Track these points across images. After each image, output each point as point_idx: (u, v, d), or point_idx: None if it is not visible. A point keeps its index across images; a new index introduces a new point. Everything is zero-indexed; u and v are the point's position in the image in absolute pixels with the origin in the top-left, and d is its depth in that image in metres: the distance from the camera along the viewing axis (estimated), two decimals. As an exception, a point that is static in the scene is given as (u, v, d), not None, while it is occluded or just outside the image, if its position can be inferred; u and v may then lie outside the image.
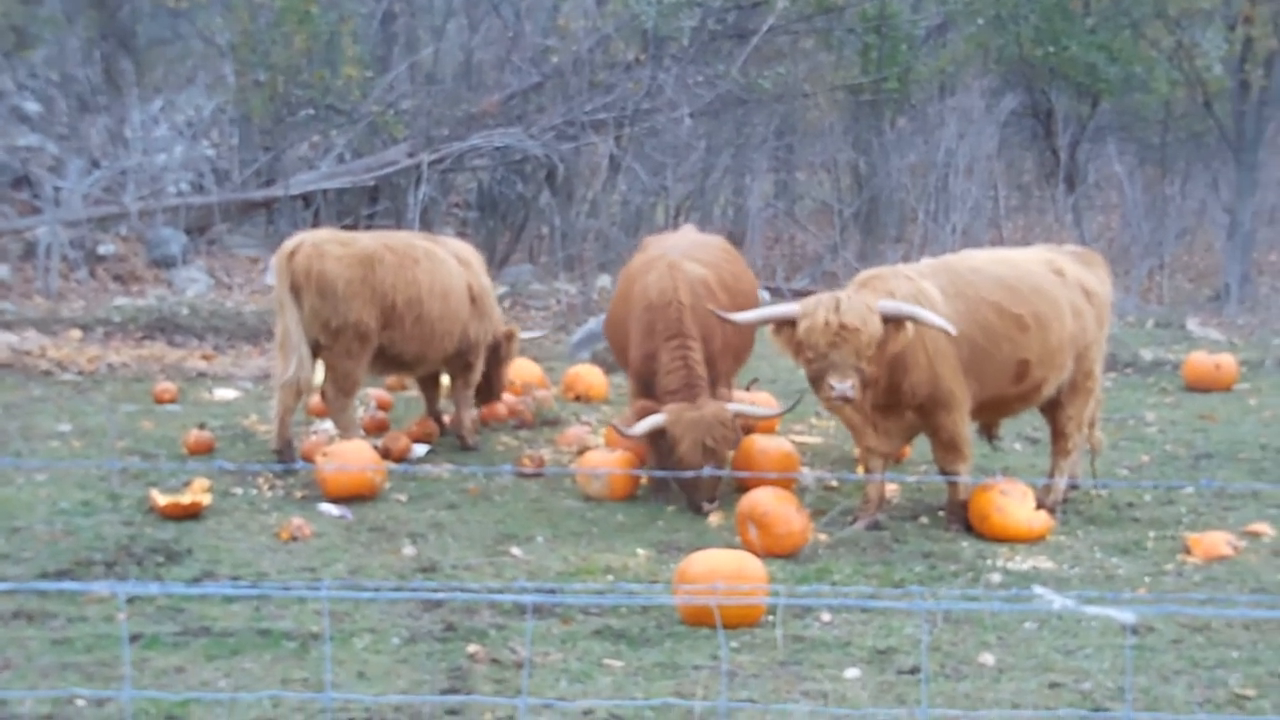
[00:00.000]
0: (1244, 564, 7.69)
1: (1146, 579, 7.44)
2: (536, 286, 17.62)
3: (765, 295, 17.41)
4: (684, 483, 8.56)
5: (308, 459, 9.15)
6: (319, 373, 9.60)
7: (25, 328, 13.87)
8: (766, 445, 9.13)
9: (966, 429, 8.43)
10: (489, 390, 10.58)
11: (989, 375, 8.33)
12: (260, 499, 8.73)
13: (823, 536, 8.08)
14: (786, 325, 7.96)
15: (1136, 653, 6.35)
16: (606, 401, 11.69)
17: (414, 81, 19.45)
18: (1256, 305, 18.95)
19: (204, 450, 9.63)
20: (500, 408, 10.88)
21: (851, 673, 6.12)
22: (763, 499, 7.83)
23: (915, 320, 7.84)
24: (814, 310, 7.80)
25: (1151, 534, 8.27)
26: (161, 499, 8.22)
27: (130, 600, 6.76)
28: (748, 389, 10.50)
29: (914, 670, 6.08)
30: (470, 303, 10.04)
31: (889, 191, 20.92)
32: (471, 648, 6.32)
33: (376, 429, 10.31)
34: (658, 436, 8.62)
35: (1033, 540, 8.07)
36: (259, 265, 17.42)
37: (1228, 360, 12.89)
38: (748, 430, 9.82)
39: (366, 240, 9.80)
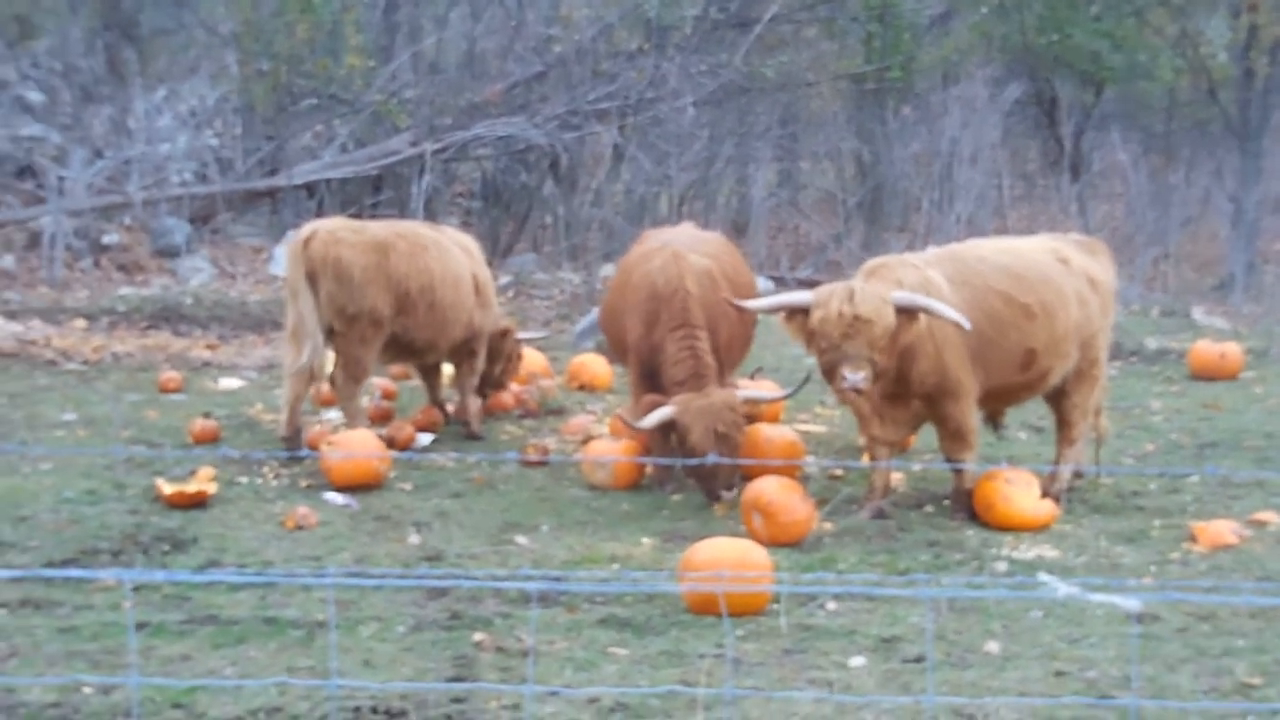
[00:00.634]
0: (1249, 552, 7.69)
1: (1152, 567, 7.44)
2: (540, 276, 17.61)
3: (771, 286, 17.41)
4: (700, 474, 8.46)
5: (313, 448, 9.15)
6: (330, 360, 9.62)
7: (30, 317, 13.88)
8: (771, 434, 9.14)
9: (973, 418, 8.43)
10: (483, 385, 10.59)
11: (996, 364, 8.32)
12: (265, 488, 8.74)
13: (828, 525, 8.08)
14: (799, 313, 7.94)
15: (1142, 641, 6.35)
16: (611, 391, 11.68)
17: (417, 70, 19.43)
18: (1261, 293, 18.93)
19: (209, 439, 9.64)
20: (506, 397, 10.89)
21: (857, 661, 6.12)
22: (767, 488, 7.83)
23: (929, 312, 7.82)
24: (828, 300, 7.77)
25: (1157, 522, 8.26)
26: (167, 488, 8.23)
27: (136, 588, 6.78)
28: (751, 377, 10.50)
29: (919, 659, 6.08)
30: (475, 292, 10.07)
31: (893, 181, 20.90)
32: (477, 636, 6.33)
33: (381, 418, 10.32)
34: (667, 428, 8.55)
35: (1038, 529, 8.07)
36: (263, 255, 17.42)
37: (1233, 349, 12.87)
38: (753, 418, 9.83)
39: (377, 228, 9.85)
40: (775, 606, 6.68)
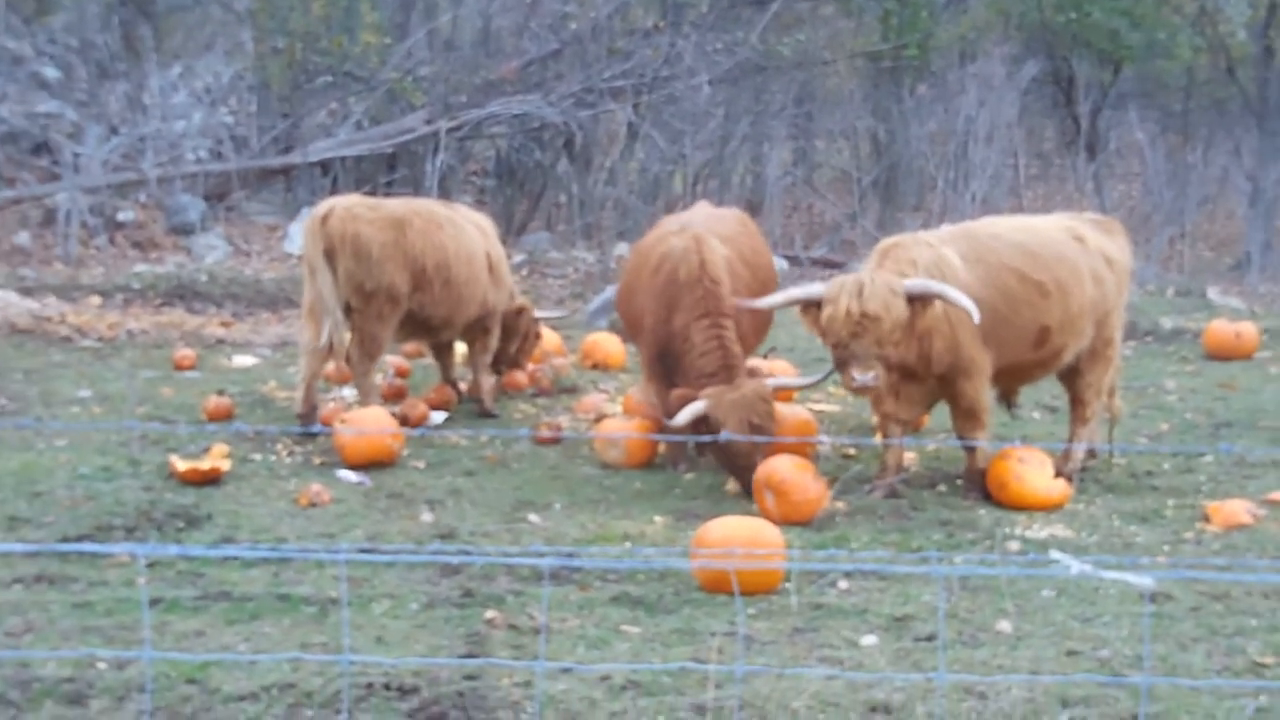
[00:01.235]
0: (1264, 532, 7.67)
1: (1165, 547, 7.43)
2: (554, 255, 17.60)
3: (785, 266, 17.39)
4: (733, 466, 8.40)
5: (326, 425, 9.18)
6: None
7: (45, 294, 13.92)
8: (784, 413, 9.12)
9: (987, 397, 8.41)
10: (498, 362, 10.60)
11: (1009, 341, 8.30)
12: (279, 465, 8.76)
13: (840, 504, 8.08)
14: (813, 306, 7.92)
15: (1155, 620, 6.35)
16: (624, 370, 11.68)
17: (432, 48, 19.40)
18: (1278, 273, 18.85)
19: (223, 416, 9.66)
20: (519, 376, 10.90)
21: (869, 639, 6.12)
22: (780, 467, 7.83)
23: (943, 298, 7.79)
24: (837, 296, 7.74)
25: (1171, 502, 8.25)
26: (181, 464, 8.26)
27: (151, 565, 6.81)
28: (765, 357, 10.49)
29: (931, 637, 6.08)
30: (488, 269, 10.08)
31: (908, 159, 20.84)
32: (489, 613, 6.35)
33: (395, 396, 10.34)
34: (701, 423, 8.33)
35: (1051, 508, 8.06)
36: (277, 233, 17.44)
37: (1248, 328, 12.83)
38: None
39: (394, 205, 9.87)
40: (787, 585, 6.68)
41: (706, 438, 8.14)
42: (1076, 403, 8.89)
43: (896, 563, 6.93)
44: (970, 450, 8.33)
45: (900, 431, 8.40)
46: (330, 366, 9.76)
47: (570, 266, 17.10)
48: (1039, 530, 7.70)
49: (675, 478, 8.77)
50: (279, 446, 9.10)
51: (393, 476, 8.59)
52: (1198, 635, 6.19)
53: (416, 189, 17.45)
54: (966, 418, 8.34)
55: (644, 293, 8.94)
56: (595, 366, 11.72)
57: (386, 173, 18.68)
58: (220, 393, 10.09)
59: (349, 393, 10.09)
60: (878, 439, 8.74)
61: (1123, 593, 6.63)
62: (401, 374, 11.01)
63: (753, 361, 9.68)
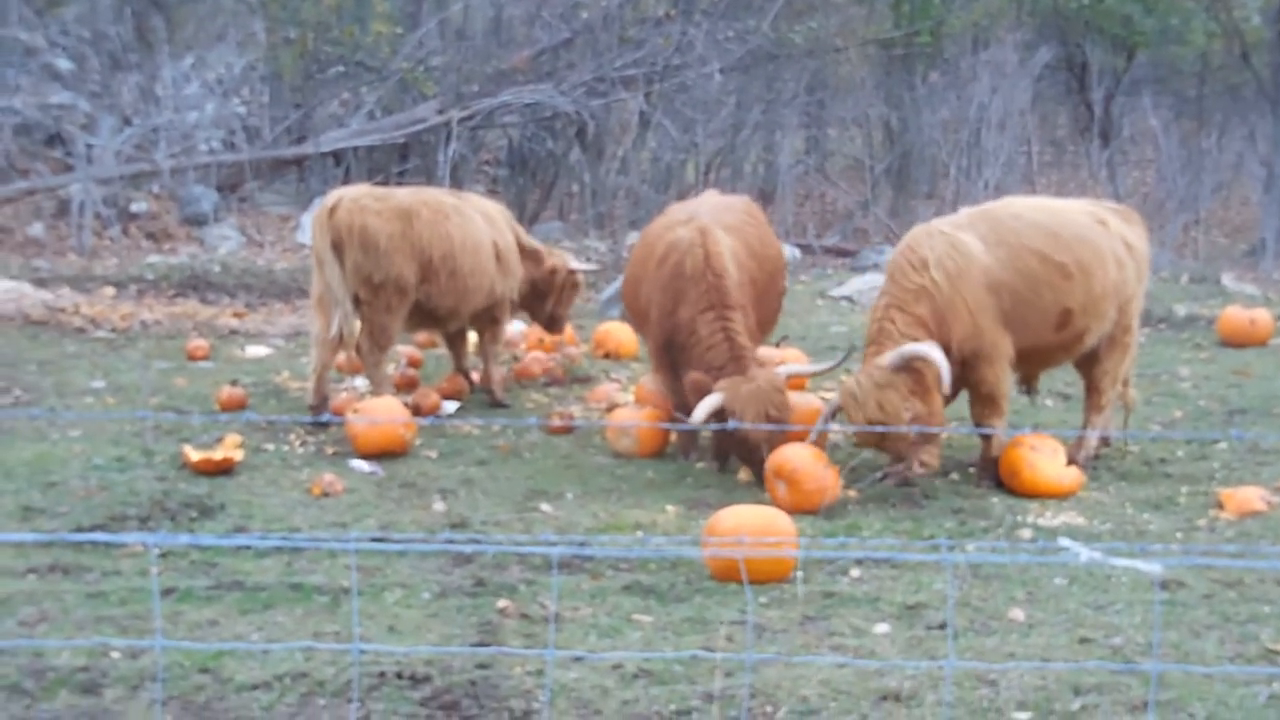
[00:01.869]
0: (1277, 519, 7.65)
1: (1178, 534, 7.42)
2: (566, 244, 17.57)
3: (796, 254, 17.38)
4: (748, 457, 8.35)
5: (339, 415, 9.20)
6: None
7: (59, 285, 13.97)
8: (796, 401, 9.11)
9: (1006, 383, 8.39)
10: (554, 322, 10.86)
11: (1031, 324, 8.27)
12: (292, 455, 8.78)
13: (852, 493, 8.08)
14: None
15: (1168, 608, 6.34)
16: (636, 359, 11.68)
17: (444, 38, 19.41)
18: (1293, 260, 18.79)
19: (236, 407, 9.68)
20: (532, 365, 10.91)
21: (880, 628, 6.12)
22: (792, 455, 7.83)
23: (923, 359, 7.82)
24: (851, 408, 7.93)
25: (1184, 489, 8.23)
26: (194, 455, 8.28)
27: (164, 555, 6.83)
28: (777, 345, 10.48)
29: (943, 625, 6.08)
30: (496, 259, 10.06)
31: (921, 147, 20.79)
32: (501, 603, 6.36)
33: (407, 386, 10.35)
34: (717, 413, 8.25)
35: (1063, 496, 8.05)
36: (290, 223, 17.47)
37: (1263, 315, 12.78)
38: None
39: (402, 195, 9.85)
40: (800, 574, 6.68)
41: (716, 426, 8.11)
42: (1092, 390, 8.86)
43: (908, 551, 6.92)
44: (986, 437, 8.31)
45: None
46: (341, 357, 9.78)
47: (582, 256, 17.08)
48: (1051, 518, 7.68)
49: (687, 467, 8.77)
50: (292, 436, 9.12)
51: (405, 466, 8.60)
52: (1210, 622, 6.18)
53: (429, 179, 17.47)
54: (986, 404, 8.32)
55: (649, 284, 8.90)
56: (607, 356, 11.72)
57: (399, 163, 18.70)
58: (233, 383, 10.12)
59: (361, 383, 10.11)
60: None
61: (1135, 580, 6.62)
62: (414, 364, 11.03)
63: (763, 350, 9.66)
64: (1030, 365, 8.78)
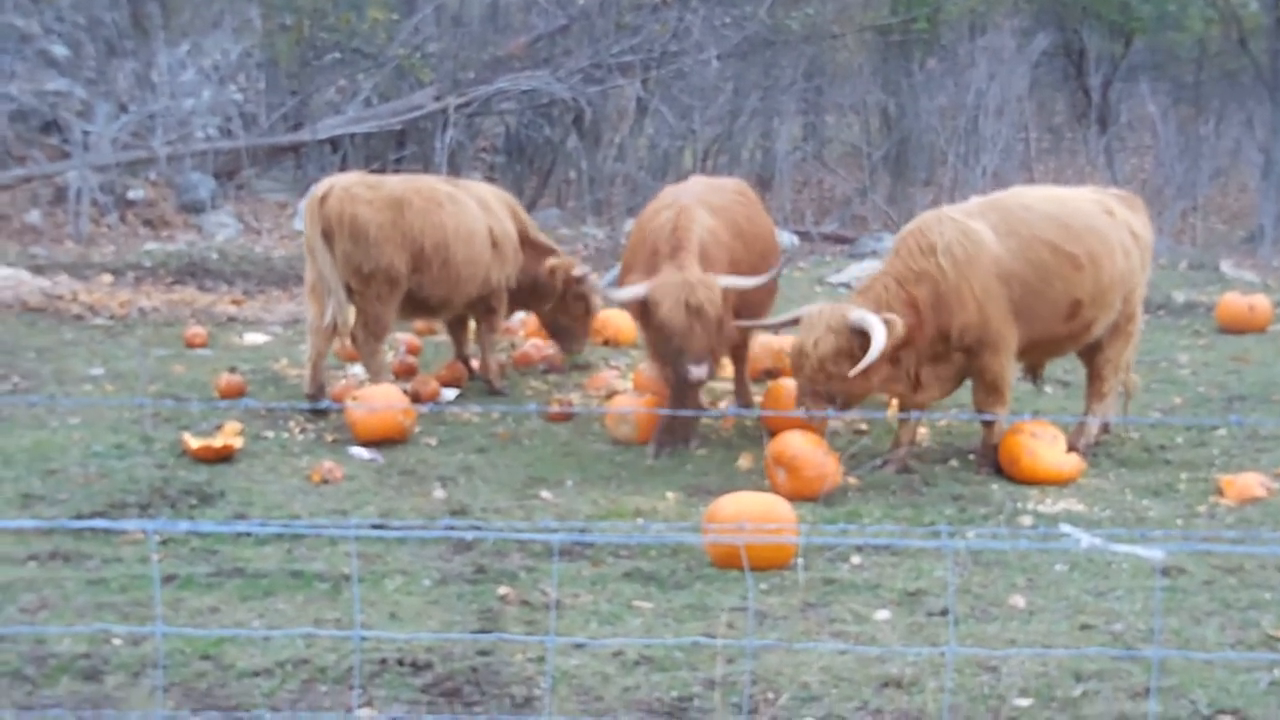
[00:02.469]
0: (1277, 505, 7.66)
1: (1178, 521, 7.42)
2: (564, 231, 17.59)
3: (794, 240, 17.37)
4: (665, 351, 8.34)
5: (338, 402, 9.18)
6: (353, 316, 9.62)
7: (57, 272, 13.94)
8: (784, 382, 9.13)
9: (1011, 372, 8.39)
10: (565, 336, 10.59)
11: (1040, 314, 8.26)
12: (291, 442, 8.77)
13: (852, 480, 8.08)
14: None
15: (1168, 594, 6.34)
16: (635, 346, 11.66)
17: (440, 24, 19.36)
18: (1291, 246, 18.79)
19: (235, 394, 9.66)
20: (531, 352, 10.89)
21: (881, 614, 6.13)
22: (792, 442, 7.83)
23: (865, 332, 7.85)
24: (801, 332, 8.04)
25: (1184, 476, 8.24)
26: (194, 442, 8.27)
27: (165, 542, 6.83)
28: (776, 333, 10.47)
29: (944, 612, 6.08)
30: (491, 247, 9.99)
31: (918, 134, 20.77)
32: (502, 590, 6.36)
33: (406, 373, 10.34)
34: (643, 306, 8.34)
35: (1063, 483, 8.05)
36: (287, 210, 17.45)
37: (1262, 301, 12.80)
38: (777, 373, 9.82)
39: (394, 184, 9.77)
40: (800, 560, 6.68)
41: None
42: (1094, 378, 8.86)
43: (908, 538, 6.93)
44: (987, 424, 8.31)
45: (921, 407, 8.37)
46: (338, 345, 9.75)
47: (580, 243, 17.08)
48: (1052, 505, 7.69)
49: (687, 454, 8.76)
50: (291, 424, 9.11)
51: (405, 453, 8.60)
52: (1211, 609, 6.19)
53: (426, 166, 17.45)
54: (989, 392, 8.31)
55: (636, 270, 8.89)
56: (606, 343, 11.71)
57: (396, 150, 18.68)
58: (232, 370, 10.10)
59: (360, 370, 10.09)
60: (889, 413, 8.74)
61: (1136, 566, 6.63)
62: (413, 351, 11.01)
63: (765, 337, 9.67)
64: (1037, 355, 8.79)
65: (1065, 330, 8.43)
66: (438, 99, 17.94)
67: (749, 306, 9.02)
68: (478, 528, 7.00)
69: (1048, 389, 10.25)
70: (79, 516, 7.14)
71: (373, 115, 18.33)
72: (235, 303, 13.33)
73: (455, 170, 17.03)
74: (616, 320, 11.87)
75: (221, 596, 6.23)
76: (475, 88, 18.04)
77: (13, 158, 17.19)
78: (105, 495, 7.55)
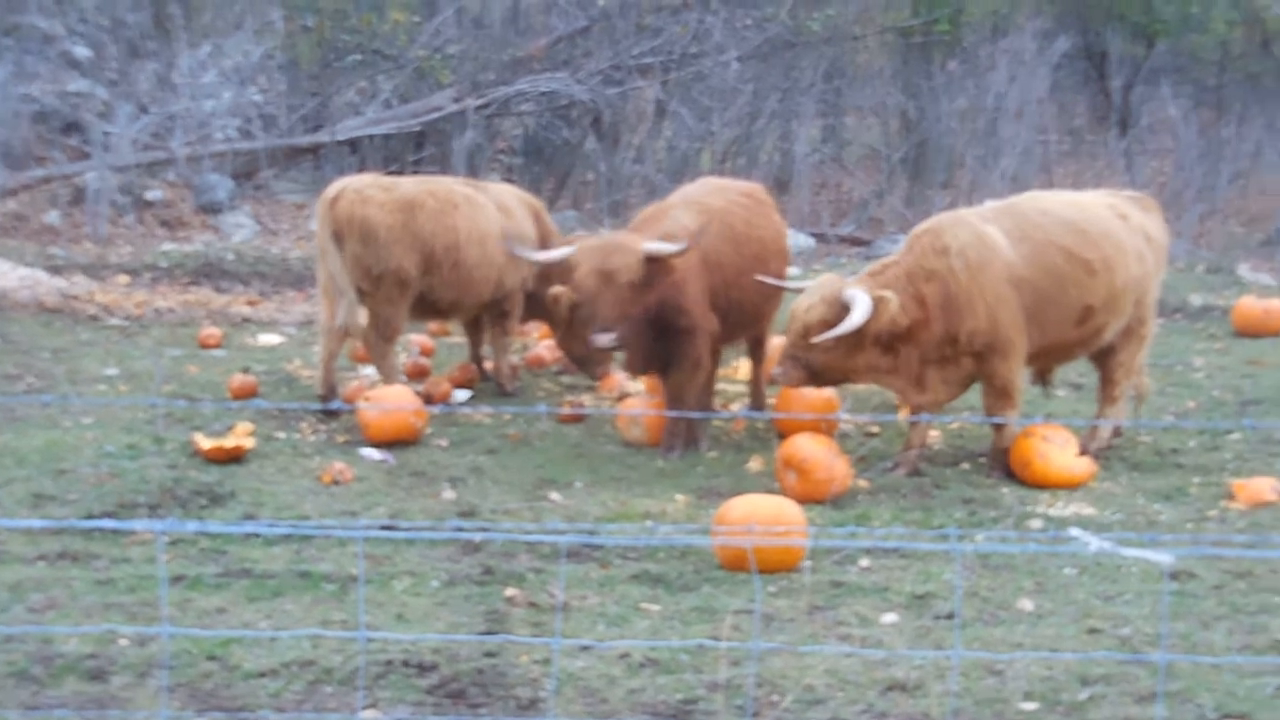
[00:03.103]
0: (1289, 510, 7.62)
1: (1189, 525, 7.39)
2: (581, 233, 17.54)
3: (811, 243, 17.32)
4: (580, 320, 8.46)
5: (350, 403, 9.20)
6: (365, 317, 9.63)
7: (74, 272, 13.99)
8: (808, 391, 9.10)
9: (1020, 377, 8.37)
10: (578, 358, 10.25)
11: (1052, 320, 8.24)
12: (303, 443, 8.79)
13: (863, 483, 8.06)
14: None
15: (1177, 598, 6.31)
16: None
17: (460, 26, 19.39)
18: (1311, 250, 18.66)
19: (248, 394, 9.69)
20: (543, 353, 10.90)
21: (889, 618, 6.11)
22: (802, 445, 7.81)
23: (846, 307, 7.89)
24: (800, 299, 8.06)
25: (1195, 480, 8.20)
26: (205, 442, 8.29)
27: (173, 542, 6.85)
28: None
29: (951, 615, 6.06)
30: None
31: (938, 136, 20.68)
32: (509, 591, 6.36)
33: (418, 374, 10.35)
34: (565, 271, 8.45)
35: (1075, 487, 8.02)
36: (305, 211, 17.48)
37: (1278, 305, 12.72)
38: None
39: (407, 185, 9.77)
40: (809, 563, 6.67)
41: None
42: (1107, 381, 8.83)
43: (914, 539, 6.91)
44: (997, 428, 8.28)
45: (928, 410, 8.34)
46: (350, 347, 9.77)
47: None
48: (1063, 508, 7.66)
49: (697, 456, 8.75)
50: (303, 424, 9.13)
51: (415, 454, 8.61)
52: (1220, 613, 6.15)
53: (444, 167, 17.45)
54: (999, 396, 8.28)
55: None
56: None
57: (414, 151, 18.69)
58: (245, 371, 10.14)
59: (371, 372, 10.11)
60: (901, 416, 8.71)
61: (1145, 571, 6.60)
62: (425, 352, 11.03)
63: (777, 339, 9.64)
64: (1048, 360, 8.76)
65: (1076, 335, 8.40)
66: (457, 100, 17.96)
67: (750, 313, 9.06)
68: (486, 529, 7.00)
69: (1059, 392, 10.21)
70: (89, 516, 7.17)
71: (392, 116, 18.36)
72: (250, 304, 13.37)
73: (473, 172, 17.04)
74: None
75: (229, 597, 6.25)
76: (495, 89, 18.07)
77: (33, 158, 17.27)
78: (116, 495, 7.58)
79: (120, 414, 9.17)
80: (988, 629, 5.98)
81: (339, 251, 9.25)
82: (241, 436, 8.44)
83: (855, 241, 18.33)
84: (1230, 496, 7.80)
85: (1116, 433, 8.89)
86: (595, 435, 9.13)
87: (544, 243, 10.18)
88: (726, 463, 8.62)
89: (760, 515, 6.60)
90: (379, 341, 9.50)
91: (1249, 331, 12.49)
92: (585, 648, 5.68)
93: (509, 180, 17.87)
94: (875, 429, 9.26)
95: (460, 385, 10.13)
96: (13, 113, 17.06)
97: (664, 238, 8.32)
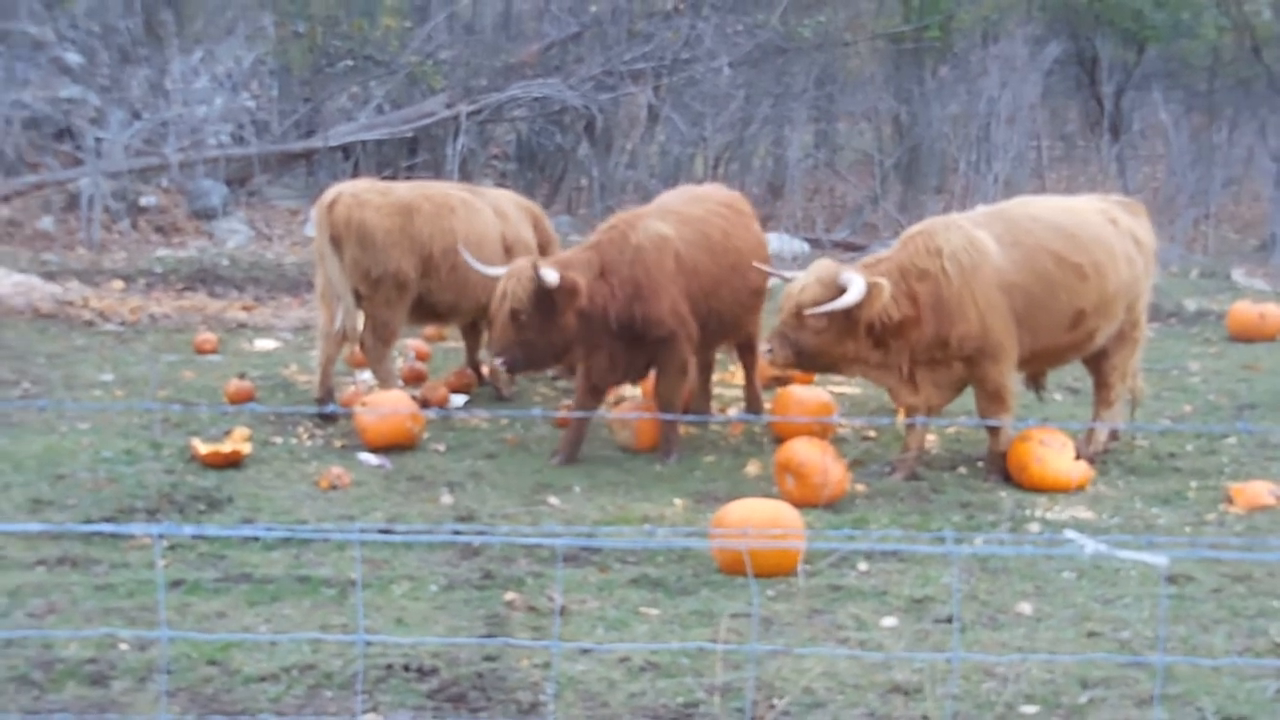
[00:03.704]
0: (1286, 514, 7.64)
1: (1187, 529, 7.40)
2: (575, 238, 17.57)
3: (805, 248, 17.33)
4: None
5: (347, 408, 9.20)
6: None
7: (68, 278, 13.98)
8: (804, 395, 9.12)
9: (1012, 380, 8.38)
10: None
11: (1043, 325, 8.26)
12: (300, 448, 8.79)
13: (860, 487, 8.07)
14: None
15: (1176, 602, 6.33)
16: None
17: (452, 32, 19.43)
18: (1303, 255, 18.71)
19: (244, 400, 9.68)
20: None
21: (887, 621, 6.12)
22: (800, 449, 7.82)
23: (842, 288, 7.92)
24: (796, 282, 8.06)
25: (1193, 484, 8.21)
26: (203, 448, 8.28)
27: (173, 547, 6.85)
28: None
29: (950, 619, 6.06)
30: (504, 253, 9.96)
31: (930, 141, 20.73)
32: (509, 595, 6.36)
33: (415, 379, 10.35)
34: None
35: (1072, 491, 8.03)
36: (299, 217, 17.48)
37: (1273, 310, 12.76)
38: (786, 380, 9.81)
39: (404, 190, 9.80)
40: (807, 567, 6.67)
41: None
42: (1101, 385, 8.85)
43: (911, 543, 6.91)
44: (993, 432, 8.30)
45: (921, 413, 8.36)
46: (348, 351, 9.78)
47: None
48: (1060, 512, 7.67)
49: (695, 460, 8.75)
50: (300, 429, 9.13)
51: (413, 459, 8.60)
52: (1219, 617, 6.17)
53: (437, 173, 17.47)
54: (991, 400, 8.30)
55: None
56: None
57: (407, 157, 18.70)
58: (241, 376, 10.12)
59: (368, 377, 10.10)
60: (898, 420, 8.72)
61: (1144, 574, 6.61)
62: (421, 357, 11.03)
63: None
64: (1039, 364, 8.78)
65: (1068, 340, 8.43)
66: (449, 106, 17.97)
67: (729, 322, 9.10)
68: (484, 533, 7.00)
69: (1056, 396, 10.24)
70: (88, 521, 7.16)
71: (384, 122, 18.37)
72: (246, 309, 13.36)
73: (466, 177, 17.04)
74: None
75: (228, 602, 6.24)
76: (487, 95, 18.08)
77: (26, 164, 17.26)
78: (114, 500, 7.57)
79: (117, 419, 9.16)
80: (987, 632, 5.99)
81: (337, 256, 9.26)
82: (239, 441, 8.43)
83: (849, 246, 18.33)
84: (1228, 501, 7.82)
85: (1113, 436, 8.90)
86: (593, 439, 9.11)
87: (544, 248, 10.17)
88: (724, 467, 8.62)
89: (757, 519, 6.60)
90: (376, 345, 9.50)
91: (1244, 336, 12.52)
92: (585, 651, 5.68)
93: (502, 185, 17.90)
94: (872, 433, 9.27)
95: (457, 390, 10.13)
96: (4, 119, 17.04)
97: (560, 266, 8.39)
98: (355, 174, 16.84)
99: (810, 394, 9.22)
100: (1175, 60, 22.59)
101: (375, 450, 8.64)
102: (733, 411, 9.82)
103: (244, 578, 6.51)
